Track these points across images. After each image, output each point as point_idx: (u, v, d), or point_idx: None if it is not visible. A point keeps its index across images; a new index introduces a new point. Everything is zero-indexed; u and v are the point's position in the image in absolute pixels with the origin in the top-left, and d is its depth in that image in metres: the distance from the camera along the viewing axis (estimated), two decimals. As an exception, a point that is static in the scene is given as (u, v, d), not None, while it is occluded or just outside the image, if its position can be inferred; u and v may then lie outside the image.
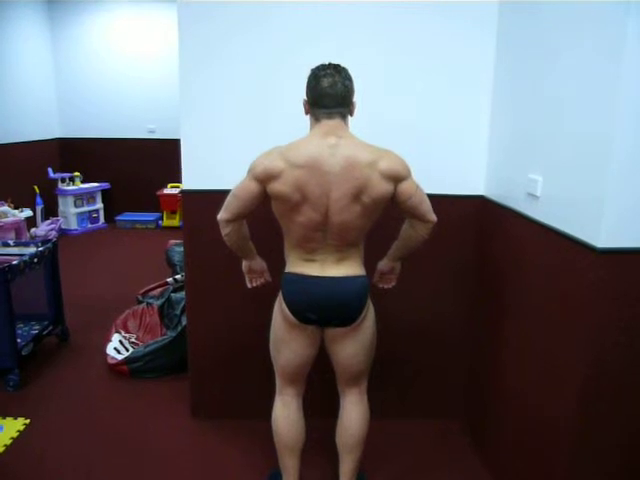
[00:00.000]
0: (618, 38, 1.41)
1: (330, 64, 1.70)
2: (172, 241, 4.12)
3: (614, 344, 1.56)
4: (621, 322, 1.55)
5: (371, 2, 2.18)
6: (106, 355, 3.07)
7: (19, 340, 2.97)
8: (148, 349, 3.00)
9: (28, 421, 2.57)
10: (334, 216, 1.67)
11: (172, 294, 3.33)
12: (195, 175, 2.33)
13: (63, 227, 6.17)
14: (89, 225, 6.60)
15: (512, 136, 2.11)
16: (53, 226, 5.65)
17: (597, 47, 1.52)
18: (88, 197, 6.58)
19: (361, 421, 1.95)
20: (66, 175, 6.46)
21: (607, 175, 1.46)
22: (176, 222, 6.50)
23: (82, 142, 6.80)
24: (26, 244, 3.44)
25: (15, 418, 2.59)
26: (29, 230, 5.43)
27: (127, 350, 3.08)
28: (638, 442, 1.65)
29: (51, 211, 6.31)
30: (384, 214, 1.77)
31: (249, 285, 2.02)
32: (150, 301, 3.43)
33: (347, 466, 1.96)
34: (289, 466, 1.99)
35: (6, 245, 3.38)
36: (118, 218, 6.76)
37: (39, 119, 6.46)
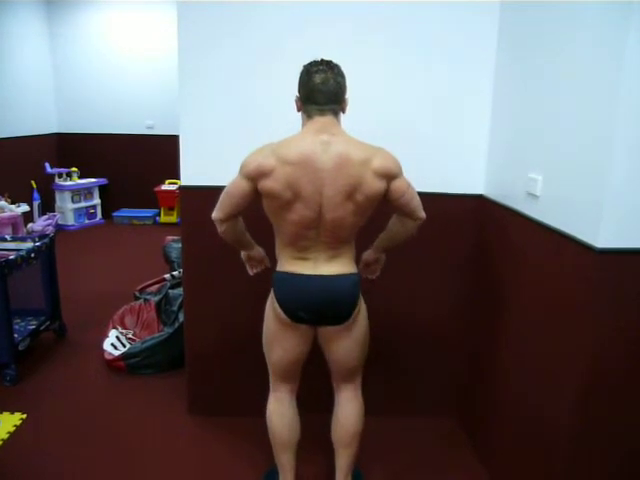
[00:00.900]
0: (620, 37, 1.41)
1: (322, 60, 1.69)
2: (169, 237, 4.11)
3: (612, 344, 1.57)
4: (620, 322, 1.55)
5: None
6: (103, 351, 3.07)
7: (16, 335, 2.96)
8: (145, 345, 2.99)
9: (25, 416, 2.56)
10: (327, 214, 1.66)
11: (169, 290, 3.33)
12: (193, 171, 2.33)
13: (60, 222, 6.15)
14: (86, 221, 6.58)
15: (512, 135, 2.11)
16: (50, 221, 5.63)
17: (599, 47, 1.53)
18: (85, 193, 6.56)
19: (356, 417, 1.96)
20: (63, 170, 6.44)
21: (607, 175, 1.47)
22: (174, 219, 6.49)
23: (80, 137, 6.78)
24: (23, 239, 3.42)
25: (12, 413, 2.58)
26: (26, 225, 5.41)
27: (124, 346, 3.07)
28: (635, 441, 1.65)
29: (48, 206, 6.29)
30: (376, 210, 1.77)
31: (250, 272, 2.03)
32: (147, 297, 3.43)
33: (343, 461, 1.96)
34: (284, 462, 1.99)
35: (3, 240, 3.37)
36: (115, 214, 6.74)
37: (37, 114, 6.44)
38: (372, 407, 2.02)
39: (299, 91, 1.72)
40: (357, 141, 1.69)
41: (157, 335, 3.06)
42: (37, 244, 3.18)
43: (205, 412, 2.58)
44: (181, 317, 2.98)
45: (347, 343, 1.85)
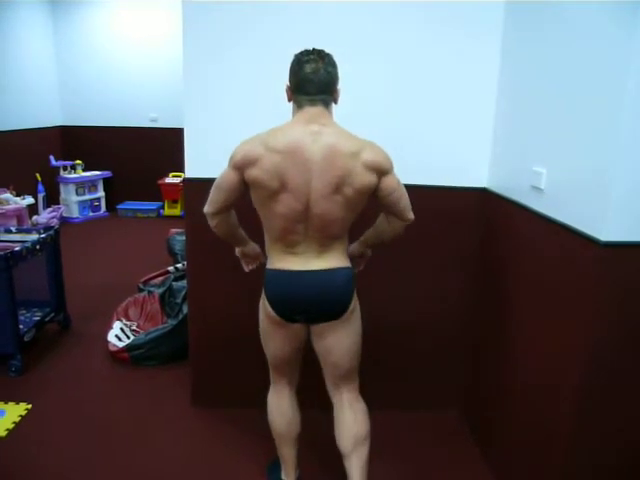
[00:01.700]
0: (627, 31, 1.41)
1: (314, 49, 1.65)
2: (173, 230, 4.13)
3: (616, 337, 1.57)
4: (623, 315, 1.55)
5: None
6: (107, 342, 3.08)
7: (21, 326, 2.98)
8: (149, 337, 3.01)
9: (30, 406, 2.58)
10: (315, 207, 1.62)
11: (173, 283, 3.35)
12: (198, 163, 2.33)
13: (64, 215, 6.17)
14: (90, 213, 6.60)
15: (516, 128, 2.10)
16: (54, 214, 5.65)
17: (605, 39, 1.52)
18: (90, 185, 6.57)
19: (363, 417, 1.88)
20: (68, 163, 6.45)
21: (611, 169, 1.46)
22: (177, 211, 6.50)
23: (84, 130, 6.78)
24: (28, 231, 3.44)
25: (17, 403, 2.60)
26: (31, 218, 5.43)
27: (128, 338, 3.09)
28: (637, 436, 1.66)
29: (53, 199, 6.31)
30: (370, 206, 1.74)
31: (246, 269, 1.99)
32: (151, 289, 3.44)
33: (357, 468, 1.84)
34: (285, 454, 1.99)
35: (8, 232, 3.38)
36: (119, 207, 6.76)
37: (41, 107, 6.45)
38: (374, 401, 2.02)
39: (290, 80, 1.68)
40: (347, 133, 1.64)
41: (161, 327, 3.07)
42: (42, 236, 3.19)
43: (208, 404, 2.60)
44: (185, 309, 2.99)
45: (344, 340, 1.80)
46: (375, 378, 2.13)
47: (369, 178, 1.62)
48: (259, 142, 1.61)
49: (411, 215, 1.75)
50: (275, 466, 2.11)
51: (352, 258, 1.93)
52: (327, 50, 1.67)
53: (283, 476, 2.04)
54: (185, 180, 2.39)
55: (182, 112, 2.29)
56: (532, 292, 1.93)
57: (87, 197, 6.54)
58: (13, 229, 3.48)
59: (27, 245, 2.98)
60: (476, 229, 2.40)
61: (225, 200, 1.70)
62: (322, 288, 1.71)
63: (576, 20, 1.67)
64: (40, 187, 6.03)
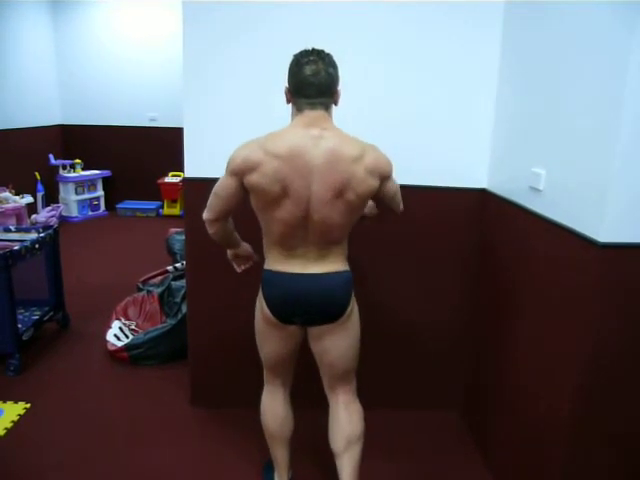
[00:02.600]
0: (625, 35, 1.41)
1: (313, 50, 1.61)
2: (173, 229, 4.12)
3: (614, 339, 1.57)
4: (621, 316, 1.56)
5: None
6: (106, 341, 3.08)
7: (20, 325, 2.98)
8: (148, 336, 3.01)
9: (29, 405, 2.58)
10: (315, 213, 1.60)
11: (172, 282, 3.35)
12: (197, 163, 2.33)
13: (64, 214, 6.16)
14: (90, 212, 6.60)
15: (515, 129, 2.11)
16: (54, 213, 5.64)
17: (603, 42, 1.52)
18: (89, 184, 6.57)
19: (358, 419, 1.88)
20: (67, 162, 6.45)
21: (610, 170, 1.47)
22: (177, 211, 6.50)
23: (83, 129, 6.78)
24: (27, 230, 3.44)
25: (16, 402, 2.60)
26: (30, 216, 5.43)
27: (127, 337, 3.09)
28: (636, 436, 1.66)
29: (52, 198, 6.30)
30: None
31: (238, 270, 1.97)
32: (150, 289, 3.44)
33: (349, 468, 1.83)
34: (278, 455, 1.98)
35: (7, 231, 3.38)
36: (119, 206, 6.76)
37: (40, 105, 6.44)
38: (374, 401, 2.02)
39: (289, 82, 1.64)
40: (349, 137, 1.62)
41: (160, 326, 3.07)
42: (41, 235, 3.19)
43: (207, 404, 2.60)
44: (184, 309, 2.99)
45: (341, 343, 1.78)
46: (374, 377, 2.13)
47: (371, 182, 1.61)
48: (257, 147, 1.58)
49: (402, 207, 1.82)
50: (270, 466, 2.11)
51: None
52: (326, 50, 1.64)
53: (276, 477, 2.03)
54: (184, 180, 2.39)
55: (182, 111, 2.29)
56: (531, 293, 1.93)
57: (86, 196, 6.53)
58: (12, 228, 3.48)
59: (26, 244, 2.98)
60: (475, 230, 2.40)
61: (225, 206, 1.68)
62: (320, 291, 1.70)
63: (576, 21, 1.67)
64: (39, 186, 6.02)
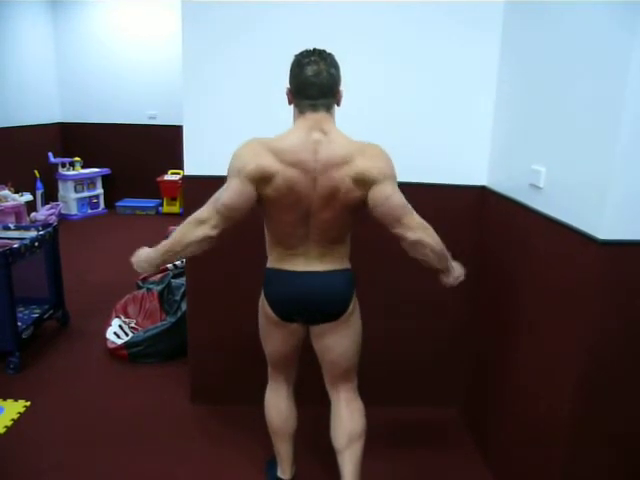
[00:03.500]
0: (626, 34, 1.41)
1: (315, 50, 1.59)
2: (172, 227, 4.10)
3: (615, 336, 1.57)
4: (622, 314, 1.56)
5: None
6: (106, 339, 3.08)
7: (20, 323, 2.98)
8: (148, 334, 3.01)
9: (28, 403, 2.58)
10: (315, 214, 1.61)
11: (172, 280, 3.34)
12: (197, 161, 2.33)
13: (63, 212, 6.16)
14: (89, 210, 6.59)
15: (515, 126, 2.11)
16: (53, 211, 5.64)
17: (604, 40, 1.52)
18: (88, 182, 6.57)
19: (359, 416, 1.88)
20: (66, 160, 6.44)
21: (610, 167, 1.46)
22: (176, 209, 6.49)
23: (83, 127, 6.77)
24: (27, 228, 3.44)
25: (16, 400, 2.60)
26: (29, 214, 5.43)
27: (127, 335, 3.09)
28: (635, 435, 1.66)
29: (51, 196, 6.30)
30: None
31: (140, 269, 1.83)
32: (150, 287, 3.44)
33: (350, 466, 1.83)
34: (282, 451, 1.99)
35: (7, 229, 3.38)
36: (118, 204, 6.75)
37: (40, 103, 6.43)
38: (374, 399, 2.01)
39: (290, 83, 1.62)
40: (345, 141, 1.59)
41: (160, 324, 3.08)
42: (41, 233, 3.19)
43: (207, 401, 2.60)
44: (183, 306, 2.99)
45: (342, 341, 1.79)
46: (375, 376, 2.13)
47: (357, 193, 1.58)
48: (266, 151, 1.55)
49: (414, 234, 1.62)
50: (273, 462, 2.11)
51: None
52: (327, 49, 1.62)
53: (279, 473, 2.04)
54: (184, 178, 2.39)
55: (181, 109, 2.29)
56: (531, 290, 1.93)
57: (86, 194, 6.53)
58: (12, 226, 3.48)
59: (25, 242, 2.97)
60: (475, 227, 2.40)
61: (237, 218, 1.59)
62: (321, 289, 1.70)
63: (576, 19, 1.67)
64: (39, 184, 6.02)
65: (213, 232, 1.60)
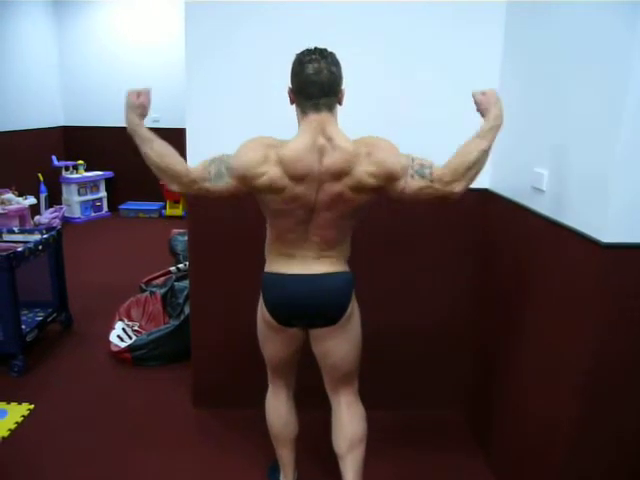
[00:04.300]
0: (628, 34, 1.41)
1: (316, 49, 1.59)
2: (175, 230, 4.13)
3: (618, 339, 1.57)
4: (625, 317, 1.55)
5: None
6: (109, 342, 3.09)
7: (24, 326, 2.99)
8: (151, 337, 3.02)
9: (32, 406, 2.59)
10: (318, 215, 1.62)
11: (175, 283, 3.35)
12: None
13: (66, 215, 6.19)
14: (92, 213, 6.61)
15: (518, 129, 2.10)
16: (56, 214, 5.66)
17: (606, 42, 1.52)
18: (92, 185, 6.59)
19: (360, 420, 1.87)
20: (70, 163, 6.47)
21: (613, 170, 1.46)
22: (179, 212, 6.51)
23: (86, 130, 6.80)
24: (31, 231, 3.45)
25: (19, 403, 2.61)
26: (33, 218, 5.45)
27: (130, 338, 3.10)
28: (638, 438, 1.66)
29: (55, 199, 6.32)
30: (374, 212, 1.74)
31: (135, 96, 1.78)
32: (153, 290, 3.44)
33: (352, 470, 1.83)
34: (283, 456, 1.99)
35: (11, 232, 3.40)
36: (121, 207, 6.77)
37: (43, 107, 6.46)
38: (376, 401, 2.01)
39: (292, 82, 1.61)
40: (349, 147, 1.57)
41: (163, 327, 3.08)
42: (44, 236, 3.20)
43: (210, 404, 2.60)
44: (187, 309, 2.99)
45: (342, 345, 1.77)
46: (377, 378, 2.13)
47: (360, 198, 1.61)
48: (278, 164, 1.56)
49: (452, 188, 1.63)
50: (275, 467, 2.12)
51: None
52: (330, 48, 1.62)
53: (282, 478, 2.04)
54: (187, 181, 2.39)
55: (184, 112, 2.29)
56: (533, 293, 1.93)
57: (89, 197, 6.55)
58: (16, 229, 3.49)
59: (29, 246, 2.99)
60: (477, 230, 2.40)
61: (214, 192, 1.65)
62: (319, 292, 1.69)
63: (578, 22, 1.67)
64: (42, 187, 6.05)
65: (185, 179, 1.67)
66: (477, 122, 2.28)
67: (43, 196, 6.03)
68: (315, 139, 1.56)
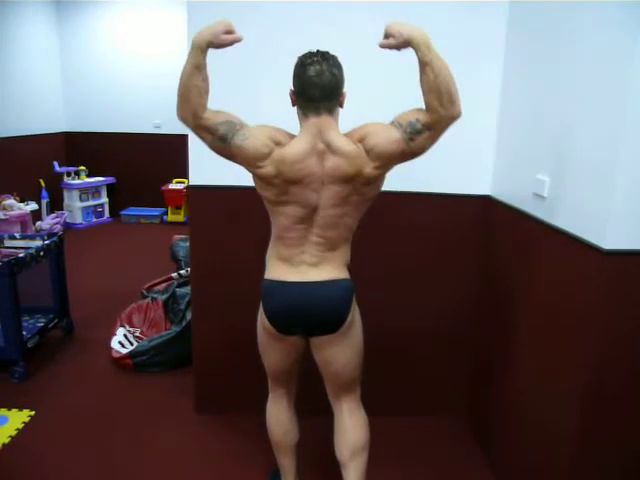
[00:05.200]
0: (631, 39, 1.41)
1: (318, 51, 1.60)
2: (177, 236, 4.13)
3: (619, 346, 1.57)
4: (626, 324, 1.55)
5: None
6: (110, 349, 3.09)
7: (25, 332, 2.98)
8: (152, 343, 3.01)
9: (33, 413, 2.58)
10: (320, 215, 1.64)
11: (177, 289, 3.35)
12: (202, 170, 2.33)
13: (68, 221, 6.19)
14: (94, 219, 6.62)
15: (520, 136, 2.11)
16: (58, 220, 5.66)
17: (608, 47, 1.52)
18: (93, 191, 6.60)
19: (363, 427, 1.86)
20: (71, 169, 6.48)
21: (615, 177, 1.47)
22: (181, 217, 6.51)
23: (88, 136, 6.81)
24: (32, 237, 3.46)
25: (20, 410, 2.61)
26: (34, 223, 5.45)
27: (131, 344, 3.09)
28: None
29: (56, 205, 6.33)
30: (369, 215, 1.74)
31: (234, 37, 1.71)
32: (155, 296, 3.44)
33: (356, 474, 1.83)
34: (284, 464, 1.98)
35: (12, 238, 3.40)
36: (123, 213, 6.78)
37: (45, 113, 6.48)
38: (378, 406, 2.01)
39: (293, 84, 1.62)
40: (349, 150, 1.58)
41: (164, 333, 3.08)
42: (46, 242, 3.20)
43: (212, 410, 2.60)
44: (188, 316, 2.99)
45: (343, 353, 1.76)
46: (378, 383, 2.13)
47: (370, 191, 1.66)
48: (276, 164, 1.59)
49: (449, 110, 1.63)
50: (277, 475, 2.10)
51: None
52: (330, 49, 1.64)
53: (283, 485, 2.03)
54: (189, 187, 2.40)
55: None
56: (535, 299, 1.93)
57: (91, 203, 6.56)
58: (17, 235, 3.49)
59: (31, 251, 2.99)
60: (479, 236, 2.40)
61: (214, 149, 1.71)
62: (318, 300, 1.68)
63: (579, 30, 1.68)
64: (44, 193, 6.06)
65: (196, 117, 1.67)
66: (477, 122, 2.30)
67: (45, 202, 6.04)
68: (314, 144, 1.58)
